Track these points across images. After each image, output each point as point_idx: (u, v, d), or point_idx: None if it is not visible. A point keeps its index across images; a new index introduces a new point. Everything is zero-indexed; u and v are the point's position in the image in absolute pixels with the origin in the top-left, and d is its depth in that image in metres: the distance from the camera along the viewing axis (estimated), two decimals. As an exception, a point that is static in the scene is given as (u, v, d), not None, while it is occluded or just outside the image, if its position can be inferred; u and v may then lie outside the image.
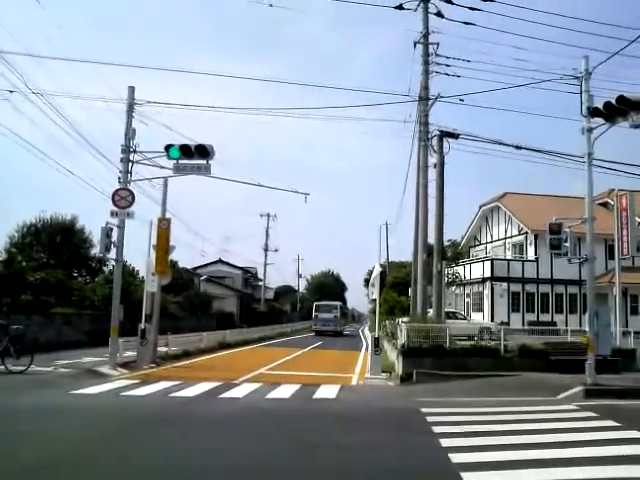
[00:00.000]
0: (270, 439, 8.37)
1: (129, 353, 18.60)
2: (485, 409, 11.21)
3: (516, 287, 36.44)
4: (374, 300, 19.61)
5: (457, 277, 37.53)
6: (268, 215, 66.97)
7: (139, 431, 8.79)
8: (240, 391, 13.18)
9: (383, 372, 17.03)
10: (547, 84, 16.93)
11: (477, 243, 45.85)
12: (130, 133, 16.19)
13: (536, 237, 36.60)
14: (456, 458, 7.17)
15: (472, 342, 17.40)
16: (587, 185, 14.39)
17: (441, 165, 18.91)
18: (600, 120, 13.75)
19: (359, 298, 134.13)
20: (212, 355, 23.59)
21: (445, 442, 8.08)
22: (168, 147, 15.54)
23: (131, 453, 7.33)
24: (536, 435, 8.73)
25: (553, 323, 33.20)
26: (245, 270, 69.14)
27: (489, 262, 37.10)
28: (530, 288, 36.54)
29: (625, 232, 16.47)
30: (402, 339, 16.40)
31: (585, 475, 6.62)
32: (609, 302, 36.13)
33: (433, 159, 19.75)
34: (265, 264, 66.74)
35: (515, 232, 39.78)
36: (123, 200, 15.59)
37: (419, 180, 20.76)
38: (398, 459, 7.39)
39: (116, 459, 7.03)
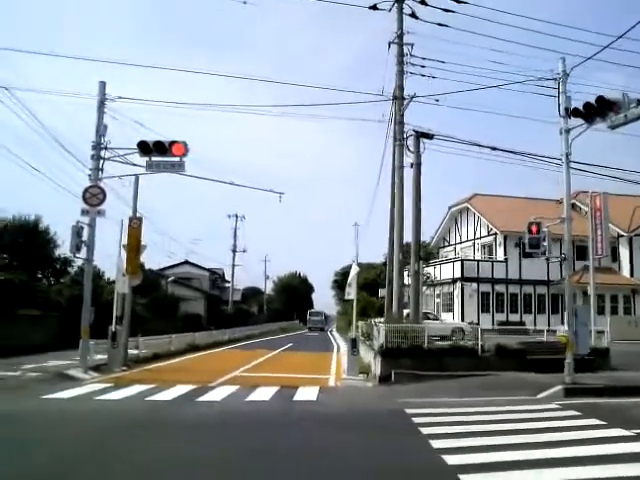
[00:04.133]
0: (258, 443, 8.10)
1: (99, 356, 18.11)
2: (469, 409, 11.10)
3: (486, 287, 36.81)
4: (346, 300, 19.49)
5: (428, 278, 37.70)
6: (236, 216, 66.17)
7: (123, 437, 8.40)
8: (217, 394, 12.85)
9: (360, 373, 16.93)
10: (523, 87, 16.99)
11: (446, 244, 46.18)
12: (101, 129, 15.71)
13: (505, 238, 37.06)
14: (450, 460, 7.06)
15: (449, 342, 17.34)
16: (565, 185, 14.41)
17: (418, 165, 18.84)
18: (576, 122, 13.80)
19: (326, 299, 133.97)
20: (183, 358, 23.13)
21: (435, 444, 7.94)
22: (141, 143, 15.10)
23: (119, 461, 7.02)
24: (524, 435, 8.65)
25: (522, 323, 33.62)
26: (212, 271, 68.39)
27: (459, 263, 37.39)
28: (499, 288, 36.95)
29: (599, 232, 16.64)
30: (380, 340, 16.23)
31: (581, 475, 6.55)
32: (578, 302, 36.77)
33: (408, 159, 19.70)
34: (233, 266, 65.95)
35: (484, 233, 40.18)
36: (94, 198, 15.10)
37: (394, 180, 20.62)
38: (393, 461, 7.21)
39: (101, 468, 6.71)
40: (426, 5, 20.21)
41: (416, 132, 19.23)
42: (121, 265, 17.54)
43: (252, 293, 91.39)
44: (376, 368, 16.38)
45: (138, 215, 18.52)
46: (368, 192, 31.31)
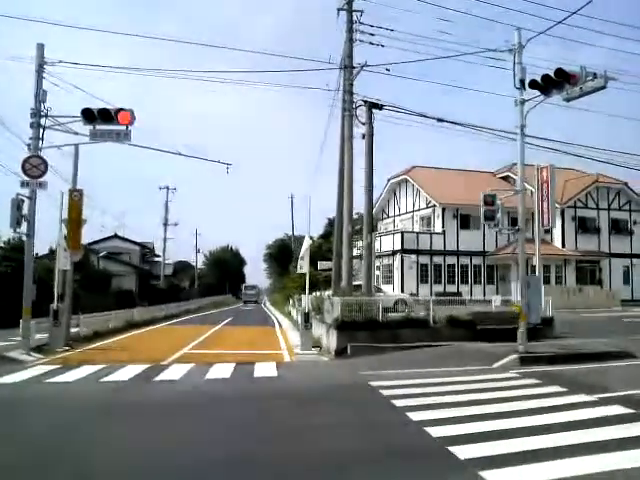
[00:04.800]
0: (234, 422, 7.87)
1: (38, 336, 17.19)
2: (433, 380, 11.16)
3: (424, 259, 37.40)
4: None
5: (369, 250, 37.94)
6: (167, 188, 64.45)
7: (92, 422, 7.98)
8: (174, 373, 12.47)
9: (312, 347, 16.89)
10: (476, 59, 17.04)
11: (385, 216, 46.50)
12: (40, 95, 14.65)
13: (444, 210, 37.72)
14: (435, 432, 7.07)
15: (402, 314, 17.44)
16: (519, 157, 14.54)
17: (370, 136, 18.69)
18: (531, 94, 13.92)
19: (258, 272, 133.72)
20: (124, 335, 22.44)
21: (414, 416, 7.92)
22: (85, 111, 14.22)
23: (99, 447, 6.67)
24: (496, 404, 8.75)
25: (459, 293, 34.23)
26: (142, 245, 66.64)
27: (399, 235, 37.75)
28: (437, 260, 37.65)
29: (545, 204, 17.03)
30: (335, 313, 16.15)
31: (562, 442, 6.61)
32: (512, 273, 38.02)
33: (357, 129, 19.57)
34: (165, 239, 64.49)
35: (423, 205, 40.70)
36: (35, 169, 14.14)
37: (343, 150, 20.41)
38: (380, 437, 7.13)
39: (82, 457, 6.34)
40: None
41: (366, 102, 19.03)
42: (62, 240, 16.64)
43: (183, 267, 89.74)
44: (330, 342, 16.31)
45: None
46: (304, 163, 31.07)
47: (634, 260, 41.11)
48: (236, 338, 21.89)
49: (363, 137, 18.95)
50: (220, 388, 10.86)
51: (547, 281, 36.64)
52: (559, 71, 12.44)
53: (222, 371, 12.65)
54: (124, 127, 14.70)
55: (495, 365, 13.06)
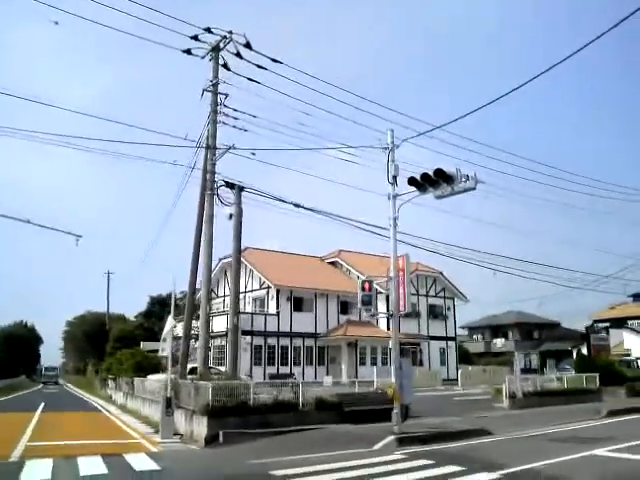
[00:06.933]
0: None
1: None
2: (336, 465, 10.89)
3: (259, 340, 37.25)
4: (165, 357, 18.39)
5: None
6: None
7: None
8: (38, 470, 10.95)
9: (174, 435, 15.92)
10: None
11: (215, 296, 45.69)
12: None
13: (278, 292, 38.21)
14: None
15: (271, 397, 17.00)
16: (392, 247, 15.50)
17: (239, 216, 18.59)
18: (404, 188, 15.05)
19: (55, 352, 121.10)
20: None
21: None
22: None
23: None
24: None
25: (292, 375, 34.45)
26: None
27: (233, 315, 37.24)
28: (271, 341, 37.70)
29: (402, 290, 17.98)
30: (205, 398, 15.27)
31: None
32: (342, 354, 39.24)
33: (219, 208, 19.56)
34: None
35: (256, 286, 40.85)
36: None
37: (202, 230, 20.02)
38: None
39: None
40: (241, 58, 20.24)
41: (232, 185, 19.06)
42: None
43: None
44: (197, 429, 15.40)
45: None
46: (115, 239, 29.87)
47: (449, 342, 44.99)
48: (71, 425, 20.01)
49: (230, 217, 18.81)
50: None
51: (374, 362, 38.38)
52: (438, 171, 13.57)
53: (94, 465, 11.38)
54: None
55: (375, 447, 13.13)
